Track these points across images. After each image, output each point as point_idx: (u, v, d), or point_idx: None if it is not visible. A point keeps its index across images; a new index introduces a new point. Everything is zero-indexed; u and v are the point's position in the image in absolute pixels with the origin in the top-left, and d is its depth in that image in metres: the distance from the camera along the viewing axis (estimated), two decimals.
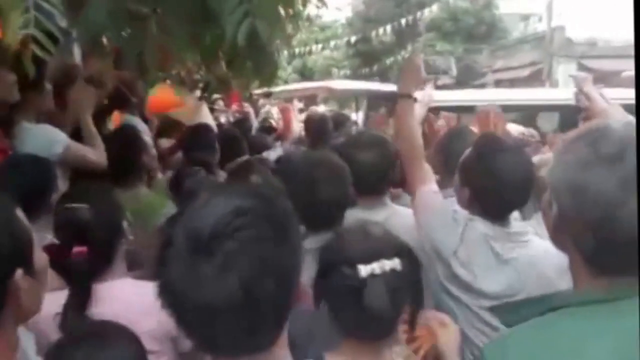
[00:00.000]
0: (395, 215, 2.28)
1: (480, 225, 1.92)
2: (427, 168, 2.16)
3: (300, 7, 4.31)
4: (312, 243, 1.81)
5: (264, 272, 0.86)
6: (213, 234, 0.86)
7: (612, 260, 1.04)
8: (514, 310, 1.18)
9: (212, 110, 8.00)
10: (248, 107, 6.95)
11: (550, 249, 1.90)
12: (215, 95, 8.76)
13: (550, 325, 1.06)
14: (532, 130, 4.18)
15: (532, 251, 1.90)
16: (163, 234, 0.92)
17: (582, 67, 15.81)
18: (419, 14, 17.59)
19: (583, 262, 1.08)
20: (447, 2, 23.38)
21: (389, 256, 1.35)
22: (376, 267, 1.33)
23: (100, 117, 3.24)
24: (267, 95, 7.26)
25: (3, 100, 2.39)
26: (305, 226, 1.94)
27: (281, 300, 0.91)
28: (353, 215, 2.16)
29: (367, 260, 1.34)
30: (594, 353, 0.98)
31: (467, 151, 2.04)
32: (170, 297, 0.89)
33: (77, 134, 2.76)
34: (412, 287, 1.40)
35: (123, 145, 2.88)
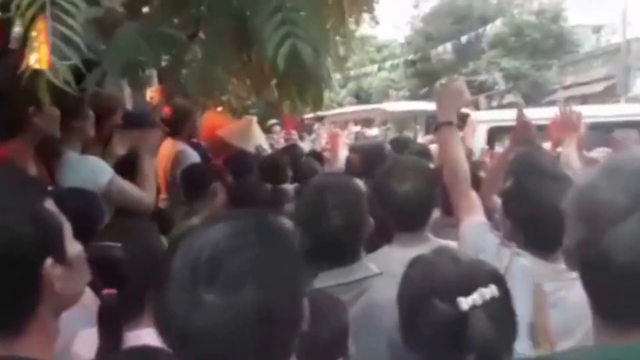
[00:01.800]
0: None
1: (526, 261, 1.80)
2: (474, 197, 2.07)
3: (353, 27, 4.30)
4: (324, 281, 1.70)
5: (271, 291, 0.86)
6: (212, 258, 0.86)
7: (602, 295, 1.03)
8: None
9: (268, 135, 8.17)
10: (295, 134, 6.98)
11: None
12: (272, 121, 8.95)
13: None
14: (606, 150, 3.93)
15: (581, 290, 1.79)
16: (162, 265, 0.92)
17: None
18: (481, 29, 17.42)
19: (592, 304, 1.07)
20: (511, 16, 23.11)
21: (484, 283, 1.26)
22: (477, 297, 1.23)
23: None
24: (319, 119, 7.31)
25: (49, 134, 2.48)
26: (317, 261, 1.75)
27: (290, 323, 0.90)
28: (389, 253, 2.03)
29: (466, 291, 1.23)
30: None
31: (508, 178, 1.94)
32: (172, 331, 0.89)
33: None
34: (509, 315, 1.31)
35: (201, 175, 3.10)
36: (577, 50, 23.60)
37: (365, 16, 4.60)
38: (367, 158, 4.16)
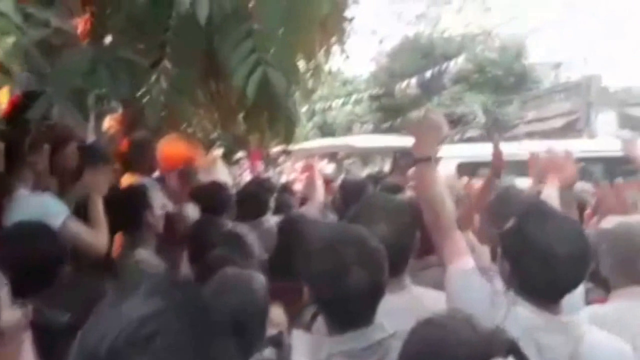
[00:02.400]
0: (417, 300, 1.96)
1: (525, 312, 1.67)
2: (459, 239, 1.94)
3: (322, 60, 4.23)
4: (336, 346, 1.58)
5: None
6: (111, 354, 0.70)
7: None
8: None
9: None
10: (261, 167, 6.82)
11: (614, 344, 1.67)
12: (239, 154, 8.76)
13: None
14: (584, 184, 3.84)
15: (590, 348, 1.64)
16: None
17: (622, 116, 15.63)
18: (444, 65, 17.69)
19: None
20: (474, 53, 23.58)
21: (502, 354, 1.15)
22: None
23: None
24: (286, 153, 7.16)
25: None
26: (327, 322, 1.66)
27: None
28: None
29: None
30: None
31: (508, 217, 1.83)
32: None
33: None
34: None
35: (126, 203, 2.85)
36: (538, 86, 24.11)
37: (335, 50, 4.55)
38: (348, 196, 4.01)
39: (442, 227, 1.90)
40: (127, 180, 3.64)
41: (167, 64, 2.08)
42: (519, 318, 1.63)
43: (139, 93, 2.31)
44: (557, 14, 26.77)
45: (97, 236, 2.57)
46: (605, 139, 10.81)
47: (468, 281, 1.81)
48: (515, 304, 1.67)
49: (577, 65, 18.87)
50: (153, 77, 2.05)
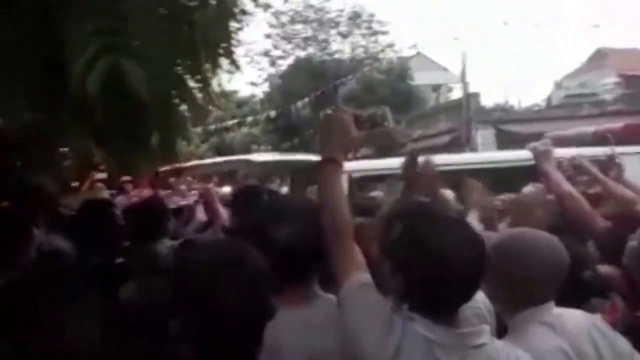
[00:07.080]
0: (333, 310, 1.74)
1: (421, 328, 1.50)
2: (356, 251, 1.75)
3: (210, 75, 3.77)
4: None
5: None
6: None
7: None
8: None
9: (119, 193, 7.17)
10: (148, 192, 6.15)
11: (515, 353, 1.58)
12: (125, 178, 7.91)
13: None
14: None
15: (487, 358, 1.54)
16: None
17: (499, 132, 16.18)
18: (335, 85, 17.65)
19: None
20: (363, 73, 23.97)
21: None
22: None
23: None
24: (177, 172, 6.48)
25: None
26: None
27: None
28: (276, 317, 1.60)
29: None
30: None
31: (395, 225, 1.62)
32: None
33: None
34: None
35: None
36: (423, 106, 24.85)
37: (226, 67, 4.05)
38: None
39: (338, 232, 1.71)
40: None
41: None
42: (416, 335, 1.50)
43: None
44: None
45: None
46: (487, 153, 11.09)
47: (364, 295, 1.62)
48: (412, 320, 1.51)
49: (459, 87, 19.48)
50: None
